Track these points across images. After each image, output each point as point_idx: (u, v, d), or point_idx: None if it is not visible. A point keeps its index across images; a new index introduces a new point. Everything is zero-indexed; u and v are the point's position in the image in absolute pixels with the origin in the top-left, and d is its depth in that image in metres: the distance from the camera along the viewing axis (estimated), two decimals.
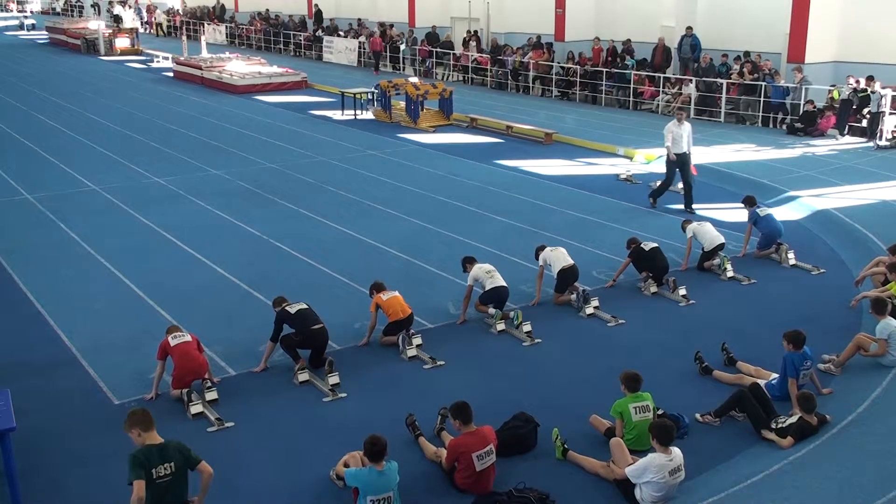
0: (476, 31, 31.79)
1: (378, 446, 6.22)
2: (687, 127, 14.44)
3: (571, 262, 10.56)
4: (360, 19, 37.72)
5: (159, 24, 51.44)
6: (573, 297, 10.52)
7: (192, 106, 26.55)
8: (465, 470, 6.72)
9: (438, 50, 31.53)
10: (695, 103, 22.76)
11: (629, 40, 26.00)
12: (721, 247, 11.68)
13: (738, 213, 13.02)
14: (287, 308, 8.82)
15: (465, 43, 31.18)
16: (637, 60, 25.34)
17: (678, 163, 14.42)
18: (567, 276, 10.50)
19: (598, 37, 26.78)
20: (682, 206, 14.59)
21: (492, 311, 10.01)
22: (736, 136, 20.35)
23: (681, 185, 14.84)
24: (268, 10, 44.57)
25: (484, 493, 6.72)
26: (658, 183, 15.16)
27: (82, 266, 12.09)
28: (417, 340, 9.28)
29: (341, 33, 37.39)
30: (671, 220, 13.30)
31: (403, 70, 32.62)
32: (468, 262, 10.39)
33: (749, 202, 12.50)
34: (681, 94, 23.40)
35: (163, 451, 5.84)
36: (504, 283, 10.01)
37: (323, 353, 8.84)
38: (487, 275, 10.03)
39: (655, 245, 11.19)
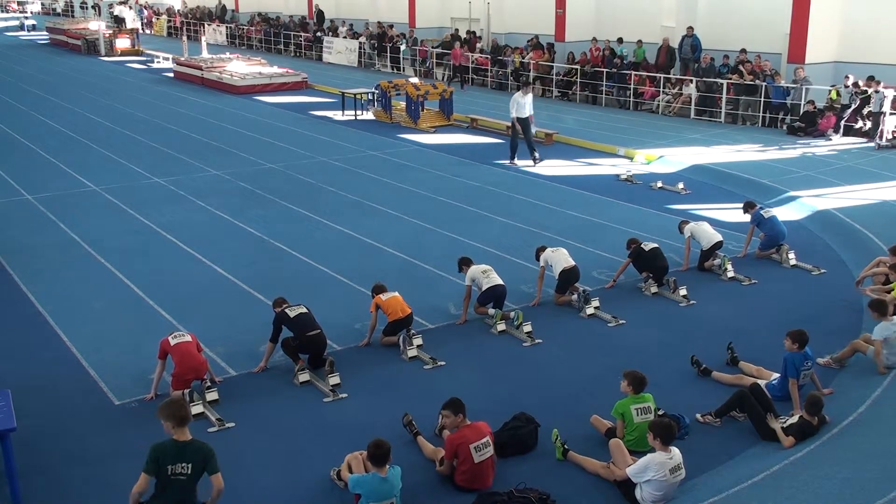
0: (475, 32, 31.78)
1: (382, 450, 6.20)
2: (529, 97, 17.87)
3: (573, 263, 10.55)
4: (364, 25, 37.71)
5: (149, 24, 51.44)
6: (574, 297, 10.52)
7: (192, 106, 26.55)
8: (464, 464, 6.73)
9: (439, 50, 31.52)
10: (695, 103, 22.75)
11: (621, 38, 26.06)
12: (719, 245, 11.68)
13: (737, 213, 13.03)
14: (286, 311, 8.81)
15: (465, 42, 31.17)
16: (633, 61, 25.35)
17: (520, 125, 17.76)
18: (568, 277, 10.49)
19: (608, 39, 26.74)
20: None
21: (491, 311, 10.01)
22: (736, 136, 20.34)
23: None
24: (259, 13, 44.51)
25: (483, 489, 6.73)
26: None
27: (82, 266, 12.09)
28: (418, 341, 9.28)
29: (342, 31, 37.42)
30: (671, 220, 13.30)
31: (403, 70, 32.60)
32: (464, 262, 10.39)
33: (749, 206, 12.49)
34: (681, 94, 23.39)
35: (182, 450, 5.74)
36: (501, 282, 10.00)
37: (322, 355, 8.84)
38: (483, 275, 10.03)
39: (656, 245, 11.18)
